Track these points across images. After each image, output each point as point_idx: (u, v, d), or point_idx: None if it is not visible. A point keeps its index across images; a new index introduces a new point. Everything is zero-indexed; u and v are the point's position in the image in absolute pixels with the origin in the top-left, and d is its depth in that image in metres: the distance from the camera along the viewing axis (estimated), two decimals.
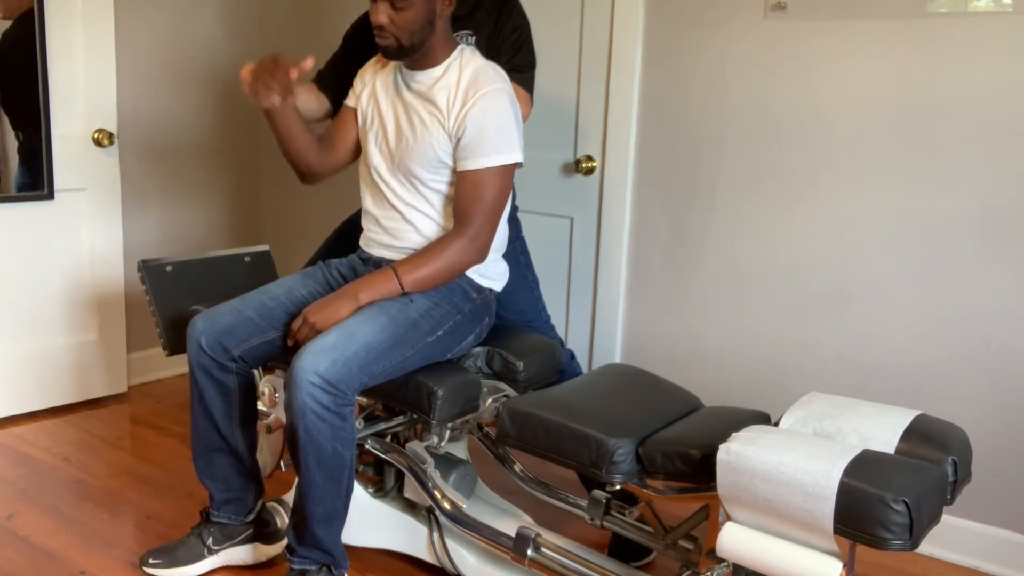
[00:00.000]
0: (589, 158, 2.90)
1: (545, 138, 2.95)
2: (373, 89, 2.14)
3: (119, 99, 3.32)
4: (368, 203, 2.16)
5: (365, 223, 2.19)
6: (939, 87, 2.29)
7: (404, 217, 2.08)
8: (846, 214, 2.46)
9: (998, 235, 2.26)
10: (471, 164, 1.97)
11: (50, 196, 3.10)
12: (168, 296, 2.40)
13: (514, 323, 2.38)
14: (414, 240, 2.08)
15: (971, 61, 2.24)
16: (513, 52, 2.30)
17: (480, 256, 2.02)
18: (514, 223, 2.43)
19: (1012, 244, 2.25)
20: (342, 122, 2.19)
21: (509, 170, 2.01)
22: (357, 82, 2.19)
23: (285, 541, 2.06)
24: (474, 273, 2.10)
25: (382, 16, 1.93)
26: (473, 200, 1.98)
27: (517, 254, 2.43)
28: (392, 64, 2.12)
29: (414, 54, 2.00)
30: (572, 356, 2.54)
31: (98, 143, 3.21)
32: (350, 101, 2.19)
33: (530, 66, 2.34)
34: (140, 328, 3.52)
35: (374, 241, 2.16)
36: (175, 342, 2.39)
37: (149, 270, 2.39)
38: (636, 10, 2.74)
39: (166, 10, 3.46)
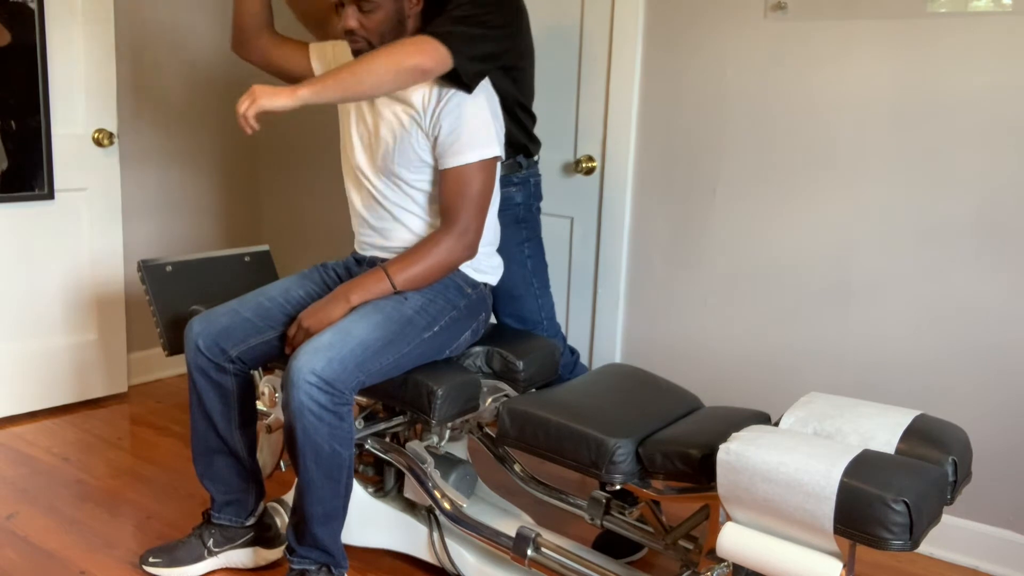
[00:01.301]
0: (589, 158, 2.90)
1: (545, 138, 2.95)
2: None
3: (119, 99, 3.32)
4: (357, 206, 2.18)
5: (356, 226, 2.20)
6: (939, 87, 2.29)
7: (393, 216, 2.10)
8: (846, 214, 2.46)
9: (998, 234, 2.26)
10: (451, 161, 1.99)
11: (50, 196, 3.10)
12: (168, 296, 2.40)
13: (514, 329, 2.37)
14: (405, 238, 2.10)
15: (971, 61, 2.24)
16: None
17: (470, 252, 2.03)
18: (524, 225, 2.39)
19: (1012, 243, 2.24)
20: (298, 51, 2.20)
21: (489, 164, 2.02)
22: (324, 48, 2.20)
23: (285, 545, 2.06)
24: (468, 268, 2.11)
25: (351, 20, 1.96)
26: (457, 197, 1.99)
27: (524, 258, 2.39)
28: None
29: None
30: (578, 360, 2.53)
31: (98, 143, 3.21)
32: (313, 54, 2.20)
33: (450, 36, 1.94)
34: (140, 328, 3.53)
35: (366, 243, 2.17)
36: (175, 342, 2.39)
37: (149, 270, 2.39)
38: (636, 10, 2.74)
39: (166, 10, 3.47)
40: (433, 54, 1.90)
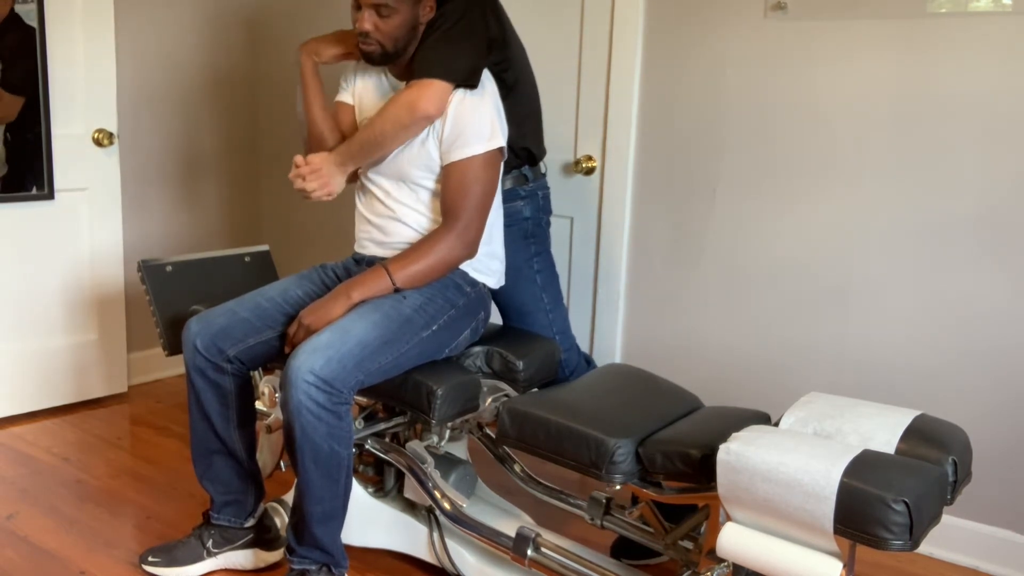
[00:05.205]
0: (589, 158, 2.90)
1: (545, 138, 2.94)
2: (359, 97, 2.20)
3: (119, 99, 3.32)
4: (359, 206, 2.21)
5: (358, 224, 2.22)
6: (939, 87, 2.29)
7: (395, 215, 2.11)
8: (846, 214, 2.46)
9: (998, 235, 2.26)
10: (456, 155, 2.01)
11: (50, 196, 3.10)
12: (168, 296, 2.40)
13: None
14: (405, 235, 2.11)
15: (971, 61, 2.24)
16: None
17: (470, 251, 2.04)
18: (533, 240, 2.38)
19: (1012, 244, 2.24)
20: (343, 114, 2.23)
21: (492, 159, 2.03)
22: (344, 83, 2.24)
23: (285, 546, 2.06)
24: (467, 267, 2.12)
25: (367, 23, 1.99)
26: (459, 194, 2.01)
27: (534, 274, 2.38)
28: (374, 74, 2.18)
29: (397, 59, 2.06)
30: (589, 362, 2.53)
31: (98, 143, 3.20)
32: (345, 98, 2.23)
33: (435, 71, 1.99)
34: (140, 328, 3.52)
35: (367, 241, 2.19)
36: (175, 342, 2.39)
37: (149, 270, 2.39)
38: (636, 10, 2.73)
39: (166, 10, 3.46)
40: (433, 95, 1.97)
